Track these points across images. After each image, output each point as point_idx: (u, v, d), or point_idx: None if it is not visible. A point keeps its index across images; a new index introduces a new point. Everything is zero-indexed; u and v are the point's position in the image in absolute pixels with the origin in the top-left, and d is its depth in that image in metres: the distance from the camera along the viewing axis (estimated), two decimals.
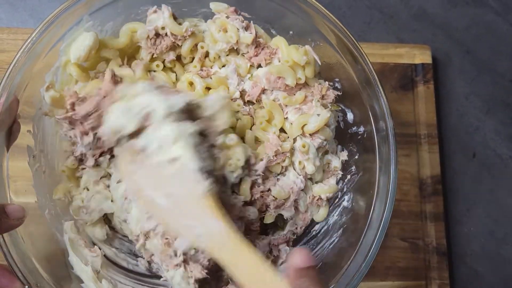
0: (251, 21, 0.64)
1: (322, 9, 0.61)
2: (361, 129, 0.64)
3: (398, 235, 0.77)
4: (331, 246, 0.63)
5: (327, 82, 0.65)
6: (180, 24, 0.62)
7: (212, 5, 0.64)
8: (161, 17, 0.61)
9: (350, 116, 0.66)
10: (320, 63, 0.63)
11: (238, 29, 0.62)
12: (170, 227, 0.52)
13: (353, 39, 0.61)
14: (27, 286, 0.50)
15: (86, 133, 0.55)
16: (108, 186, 0.62)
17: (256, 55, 0.64)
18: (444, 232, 0.78)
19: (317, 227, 0.67)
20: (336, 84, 0.66)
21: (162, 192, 0.51)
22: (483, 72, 0.89)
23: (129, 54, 0.64)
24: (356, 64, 0.61)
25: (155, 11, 0.62)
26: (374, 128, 0.61)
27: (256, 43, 0.63)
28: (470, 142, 0.86)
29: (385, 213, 0.57)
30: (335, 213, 0.66)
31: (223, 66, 0.65)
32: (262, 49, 0.64)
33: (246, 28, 0.63)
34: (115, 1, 0.60)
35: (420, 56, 0.83)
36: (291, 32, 0.65)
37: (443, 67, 0.88)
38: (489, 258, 0.81)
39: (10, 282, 0.49)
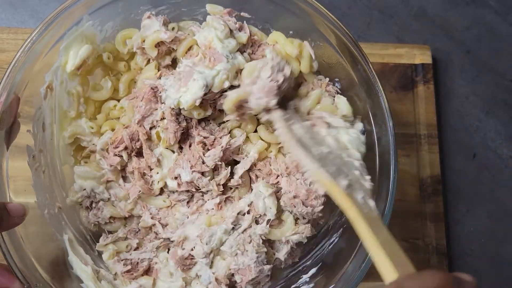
0: (244, 21, 0.64)
1: (322, 9, 0.61)
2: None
3: (398, 235, 0.77)
4: (331, 246, 0.63)
5: (327, 78, 0.65)
6: (173, 29, 0.63)
7: (208, 7, 0.64)
8: (155, 23, 0.62)
9: (350, 116, 0.66)
10: (314, 57, 0.63)
11: (231, 30, 0.62)
12: None
13: (353, 39, 0.61)
14: (26, 286, 0.50)
15: None
16: None
17: (253, 53, 0.64)
18: (444, 232, 0.77)
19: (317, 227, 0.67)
20: (336, 84, 0.66)
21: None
22: (483, 72, 0.89)
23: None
24: (356, 64, 0.61)
25: (149, 17, 0.62)
26: (374, 128, 0.61)
27: (252, 41, 0.64)
28: (470, 142, 0.86)
29: (385, 213, 0.57)
30: (335, 213, 0.66)
31: None
32: (259, 46, 0.64)
33: (240, 29, 0.63)
34: (115, 1, 0.60)
35: (420, 56, 0.83)
36: (291, 32, 0.65)
37: (443, 67, 0.88)
38: (489, 258, 0.81)
39: (9, 282, 0.49)
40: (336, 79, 0.65)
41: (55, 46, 0.58)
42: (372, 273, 0.75)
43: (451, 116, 0.86)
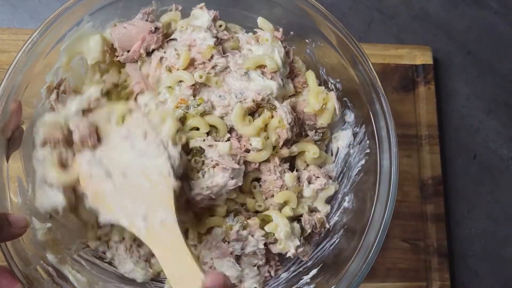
0: (291, 48, 0.66)
1: (323, 9, 0.61)
2: (362, 129, 0.64)
3: (399, 236, 0.77)
4: (332, 247, 0.63)
5: (330, 77, 0.65)
6: (220, 26, 0.64)
7: (259, 20, 0.65)
8: (205, 16, 0.62)
9: (351, 117, 0.66)
10: (339, 111, 0.64)
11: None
12: (106, 203, 0.52)
13: (354, 39, 0.61)
14: (27, 287, 0.50)
15: None
16: None
17: (291, 79, 0.65)
18: (445, 233, 0.77)
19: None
20: (337, 85, 0.66)
21: (119, 170, 0.52)
22: (484, 73, 0.89)
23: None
24: (357, 64, 0.61)
25: (201, 8, 0.63)
26: (375, 129, 0.61)
27: (290, 68, 0.65)
28: (471, 143, 0.86)
29: (386, 214, 0.57)
30: (336, 214, 0.66)
31: None
32: (296, 76, 0.65)
33: (286, 53, 0.64)
34: (115, 1, 0.60)
35: (421, 57, 0.83)
36: (291, 33, 0.65)
37: (444, 68, 0.88)
38: (490, 259, 0.81)
39: (11, 284, 0.49)
40: (337, 80, 0.65)
41: (56, 47, 0.58)
42: (372, 274, 0.75)
43: (452, 116, 0.86)
